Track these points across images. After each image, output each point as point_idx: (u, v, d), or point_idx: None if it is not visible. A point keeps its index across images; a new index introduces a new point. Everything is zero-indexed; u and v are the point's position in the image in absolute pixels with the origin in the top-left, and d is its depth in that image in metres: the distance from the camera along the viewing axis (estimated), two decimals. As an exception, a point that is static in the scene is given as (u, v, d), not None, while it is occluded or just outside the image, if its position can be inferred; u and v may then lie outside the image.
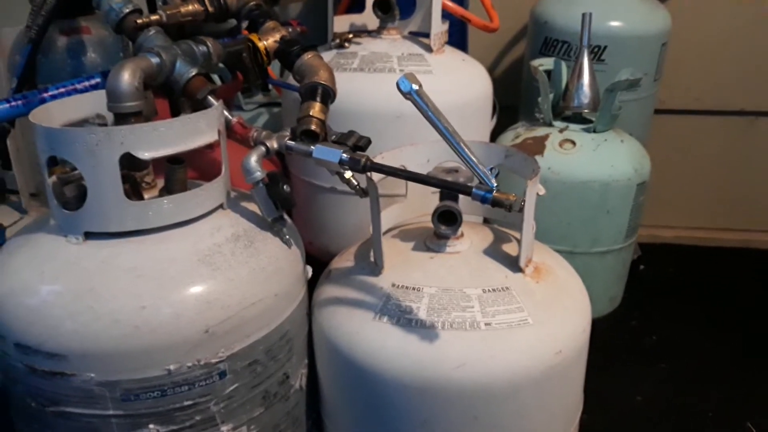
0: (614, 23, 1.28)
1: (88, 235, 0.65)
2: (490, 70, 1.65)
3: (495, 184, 0.60)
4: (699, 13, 1.55)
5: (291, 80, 0.89)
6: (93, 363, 0.60)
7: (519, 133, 1.17)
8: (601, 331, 1.18)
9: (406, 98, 0.65)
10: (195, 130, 0.65)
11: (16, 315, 0.62)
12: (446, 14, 1.06)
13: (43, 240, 0.67)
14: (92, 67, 1.08)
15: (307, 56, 0.75)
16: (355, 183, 0.73)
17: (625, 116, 1.18)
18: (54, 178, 0.68)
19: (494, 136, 1.18)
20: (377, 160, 0.74)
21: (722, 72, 1.60)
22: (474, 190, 0.60)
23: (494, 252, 0.77)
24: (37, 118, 0.66)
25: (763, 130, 1.67)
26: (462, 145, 0.63)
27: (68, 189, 0.67)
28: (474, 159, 0.62)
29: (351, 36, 1.00)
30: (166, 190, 0.69)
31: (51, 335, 0.61)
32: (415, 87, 0.64)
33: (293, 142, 0.71)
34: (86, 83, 0.91)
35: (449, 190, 0.69)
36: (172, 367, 0.62)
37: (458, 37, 1.32)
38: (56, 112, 0.71)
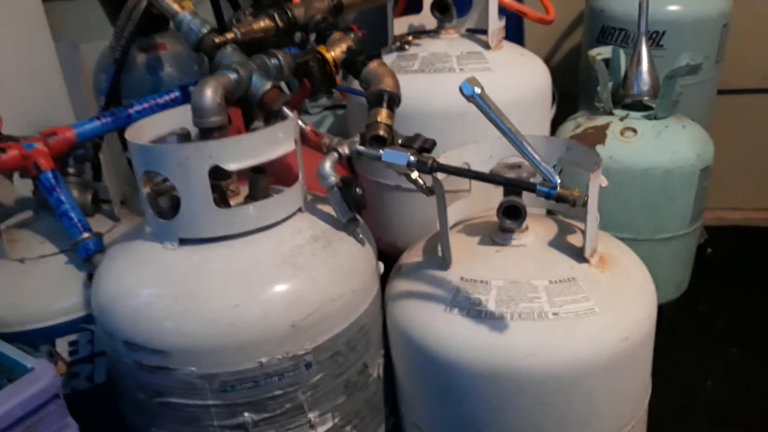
0: (672, 7, 1.28)
1: (182, 241, 0.71)
2: (548, 59, 1.67)
3: (558, 181, 0.63)
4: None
5: (354, 84, 0.93)
6: (193, 358, 0.67)
7: (579, 122, 1.18)
8: (669, 316, 1.20)
9: (469, 101, 0.68)
10: (275, 141, 0.71)
11: (122, 316, 0.70)
12: (502, 9, 1.07)
13: (141, 247, 0.74)
14: (169, 80, 1.16)
15: (373, 64, 0.79)
16: (422, 182, 0.77)
17: (687, 100, 1.18)
18: (148, 189, 0.75)
19: (554, 125, 1.20)
20: (442, 158, 0.77)
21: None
22: (538, 187, 0.63)
23: (559, 244, 0.80)
24: (132, 136, 0.73)
25: (833, 106, 1.61)
26: (524, 143, 0.67)
27: (162, 200, 0.74)
28: (537, 156, 0.65)
29: (411, 38, 1.04)
30: (251, 197, 0.75)
31: (154, 334, 0.68)
32: (477, 90, 0.67)
33: (363, 147, 0.75)
34: (166, 97, 0.99)
35: (515, 187, 0.72)
36: (263, 360, 0.68)
37: (515, 30, 1.34)
38: (147, 129, 0.78)
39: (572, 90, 1.51)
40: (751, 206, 1.73)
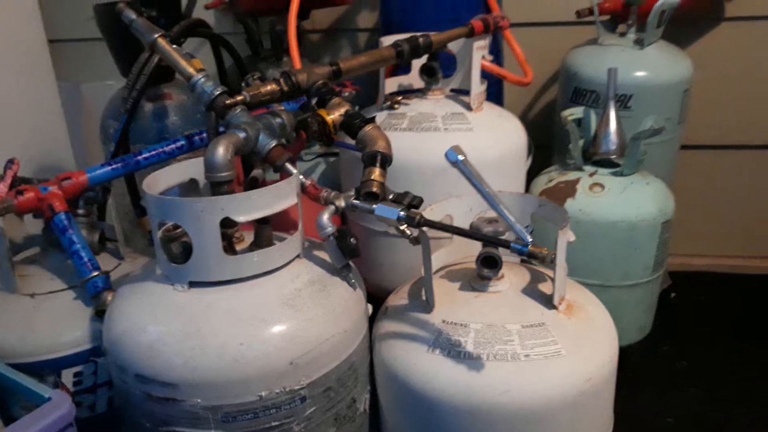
0: (639, 73, 1.40)
1: (192, 284, 0.78)
2: (525, 113, 1.79)
3: (530, 240, 0.72)
4: (720, 57, 1.65)
5: (347, 139, 1.01)
6: (199, 391, 0.74)
7: (552, 176, 1.28)
8: (634, 358, 1.29)
9: (453, 166, 0.77)
10: (280, 196, 0.79)
11: (134, 351, 0.76)
12: (484, 72, 1.18)
13: (153, 288, 0.81)
14: (174, 128, 1.24)
15: (368, 128, 0.88)
16: (409, 233, 0.85)
17: (652, 156, 1.29)
18: (160, 234, 0.82)
19: (531, 175, 1.29)
20: (427, 210, 0.86)
21: (745, 109, 1.69)
22: (512, 245, 0.72)
23: (531, 291, 0.88)
24: (149, 188, 0.80)
25: (789, 163, 1.75)
26: (501, 206, 0.76)
27: (174, 246, 0.81)
28: (511, 218, 0.74)
29: (400, 98, 1.14)
30: (255, 245, 0.83)
31: (164, 368, 0.74)
32: (461, 157, 0.77)
33: (358, 202, 0.83)
34: (173, 146, 1.07)
35: (492, 244, 0.80)
36: (263, 394, 0.74)
37: (495, 88, 1.45)
38: (161, 180, 0.85)
39: (548, 141, 1.62)
40: (713, 253, 1.84)
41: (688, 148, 1.68)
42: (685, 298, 1.66)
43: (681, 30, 1.59)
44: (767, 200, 1.79)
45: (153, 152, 1.04)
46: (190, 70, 0.90)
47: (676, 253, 1.72)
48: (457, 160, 0.76)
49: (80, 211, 1.03)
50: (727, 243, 1.84)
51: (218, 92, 0.88)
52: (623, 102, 1.39)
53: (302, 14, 1.57)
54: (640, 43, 1.43)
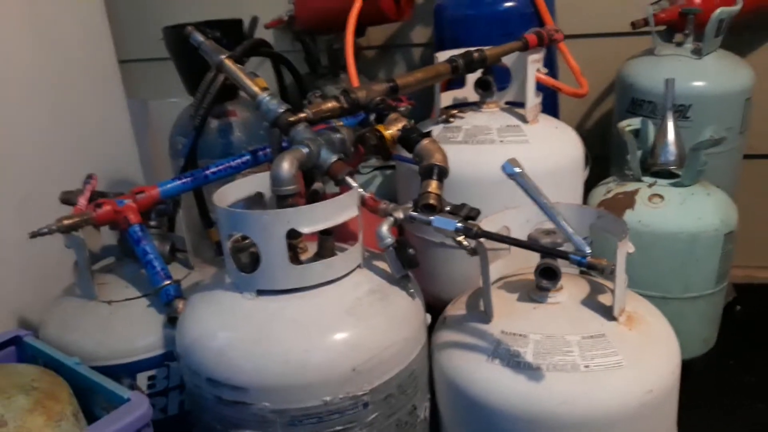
0: (698, 83, 1.38)
1: (260, 292, 0.82)
2: (581, 124, 1.78)
3: (589, 251, 0.73)
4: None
5: (403, 153, 1.04)
6: (267, 395, 0.77)
7: (610, 188, 1.27)
8: (697, 372, 1.26)
9: (510, 178, 0.79)
10: (342, 208, 0.82)
11: (206, 356, 0.81)
12: (539, 85, 1.19)
13: (222, 296, 0.85)
14: (239, 144, 1.30)
15: (425, 142, 0.90)
16: (466, 244, 0.87)
17: (713, 167, 1.27)
18: (230, 245, 0.86)
19: (588, 186, 1.29)
20: (484, 222, 0.87)
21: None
22: (571, 256, 0.73)
23: (591, 302, 0.88)
24: (219, 201, 0.85)
25: None
26: (559, 217, 0.77)
27: (243, 255, 0.85)
28: (569, 229, 0.75)
29: (456, 112, 1.16)
30: (318, 255, 0.86)
31: (234, 372, 0.78)
32: (518, 170, 0.78)
33: (416, 213, 0.86)
34: (239, 161, 1.11)
35: (550, 255, 0.81)
36: (327, 399, 0.77)
37: (550, 100, 1.45)
38: (230, 193, 0.90)
39: (605, 152, 1.61)
40: (780, 266, 1.78)
41: (752, 157, 1.64)
42: (750, 311, 1.61)
43: (741, 38, 1.56)
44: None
45: (220, 167, 1.09)
46: (255, 89, 0.94)
47: (740, 265, 1.68)
48: (513, 173, 0.77)
49: (152, 223, 1.09)
50: (794, 255, 1.78)
51: (282, 110, 0.92)
52: (682, 112, 1.37)
53: (359, 32, 1.61)
54: (698, 52, 1.41)
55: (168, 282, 0.99)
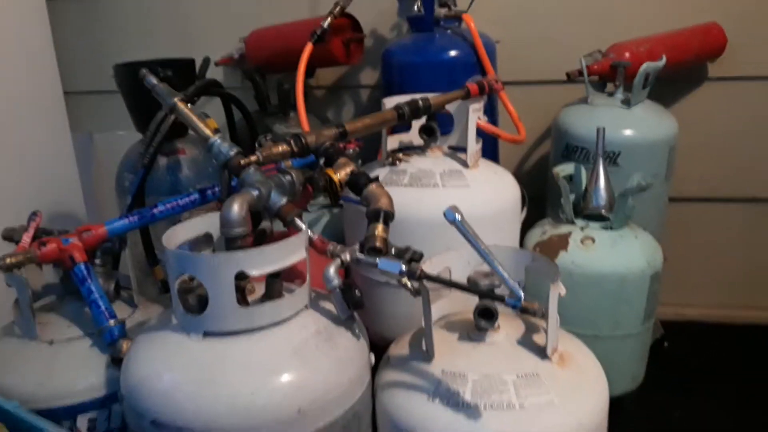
0: (626, 132, 1.47)
1: (206, 334, 0.83)
2: (521, 165, 1.86)
3: (522, 294, 0.78)
4: (705, 113, 1.73)
5: (350, 194, 1.07)
6: (213, 436, 0.78)
7: (546, 229, 1.34)
8: (627, 407, 1.32)
9: (451, 224, 0.83)
10: (291, 251, 0.85)
11: (151, 397, 0.81)
12: (480, 131, 1.25)
13: (169, 337, 0.86)
14: (187, 182, 1.31)
15: (372, 186, 0.94)
16: (410, 286, 0.91)
17: (641, 210, 1.35)
18: (177, 286, 0.87)
19: (525, 225, 1.35)
20: (427, 263, 0.91)
21: (731, 164, 1.77)
22: (506, 299, 0.77)
23: (526, 341, 0.93)
24: (168, 243, 0.86)
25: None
26: (496, 262, 0.81)
27: (190, 297, 0.86)
28: (505, 274, 0.80)
29: (401, 155, 1.21)
30: (266, 296, 0.88)
31: (180, 414, 0.78)
32: (458, 217, 0.83)
33: (362, 256, 0.89)
34: (186, 199, 1.12)
35: (488, 298, 0.86)
36: (272, 440, 0.79)
37: (491, 144, 1.52)
38: (179, 234, 0.91)
39: (542, 192, 1.69)
40: (705, 303, 1.89)
41: (677, 200, 1.75)
42: (677, 348, 1.70)
43: (666, 89, 1.68)
44: (755, 251, 1.85)
45: (168, 205, 1.10)
46: (207, 132, 0.96)
47: (668, 303, 1.78)
48: (455, 219, 0.82)
49: (97, 261, 1.08)
50: (718, 293, 1.89)
51: (233, 152, 0.95)
52: (612, 159, 1.46)
53: (309, 73, 1.65)
54: (627, 102, 1.52)
55: (112, 322, 0.99)
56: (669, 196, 1.64)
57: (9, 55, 1.44)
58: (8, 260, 0.96)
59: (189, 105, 1.01)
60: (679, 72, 1.68)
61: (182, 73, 1.31)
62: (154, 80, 1.01)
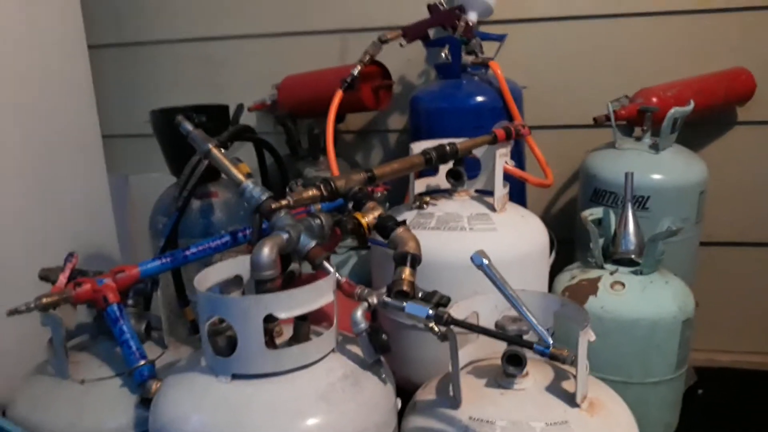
0: (655, 176, 1.47)
1: (234, 376, 0.84)
2: (548, 209, 1.86)
3: (551, 341, 0.77)
4: (735, 157, 1.72)
5: (378, 237, 1.08)
6: (239, 479, 0.78)
7: (575, 274, 1.33)
8: (660, 457, 1.28)
9: (479, 269, 0.84)
10: (319, 294, 0.86)
11: (178, 439, 0.82)
12: (507, 176, 1.26)
13: (197, 378, 0.87)
14: (219, 224, 1.33)
15: (399, 230, 0.95)
16: (437, 331, 0.91)
17: (672, 254, 1.34)
18: (207, 328, 0.89)
19: (555, 268, 1.34)
20: (454, 308, 0.91)
21: (762, 208, 1.75)
22: (535, 346, 0.77)
23: (554, 389, 0.92)
24: (200, 285, 0.88)
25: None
26: (524, 308, 0.81)
27: (220, 339, 0.87)
28: (533, 320, 0.80)
29: (428, 199, 1.22)
30: (294, 339, 0.89)
31: (207, 456, 0.79)
32: (485, 261, 0.83)
33: (389, 299, 0.90)
34: (218, 242, 1.15)
35: (516, 344, 0.85)
36: (299, 484, 0.78)
37: (518, 187, 1.53)
38: (210, 276, 0.93)
39: (571, 236, 1.68)
40: (738, 349, 1.85)
41: (708, 245, 1.73)
42: (712, 395, 1.66)
43: (695, 134, 1.68)
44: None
45: (200, 248, 1.13)
46: (240, 177, 0.99)
47: (702, 349, 1.74)
48: (482, 264, 0.83)
49: (130, 302, 1.10)
50: (752, 339, 1.84)
51: (265, 197, 0.97)
52: (641, 203, 1.46)
53: (339, 118, 1.69)
54: (655, 147, 1.52)
55: (143, 362, 1.00)
56: (700, 240, 1.62)
57: (51, 98, 1.50)
58: (44, 300, 0.98)
59: (222, 150, 1.04)
60: (708, 116, 1.68)
61: (216, 119, 1.35)
62: (189, 126, 1.04)
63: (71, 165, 1.58)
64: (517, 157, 1.56)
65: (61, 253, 1.12)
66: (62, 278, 1.06)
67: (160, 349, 1.12)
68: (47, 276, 1.10)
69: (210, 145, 1.02)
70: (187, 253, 1.12)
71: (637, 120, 1.57)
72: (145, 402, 0.97)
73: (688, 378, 1.52)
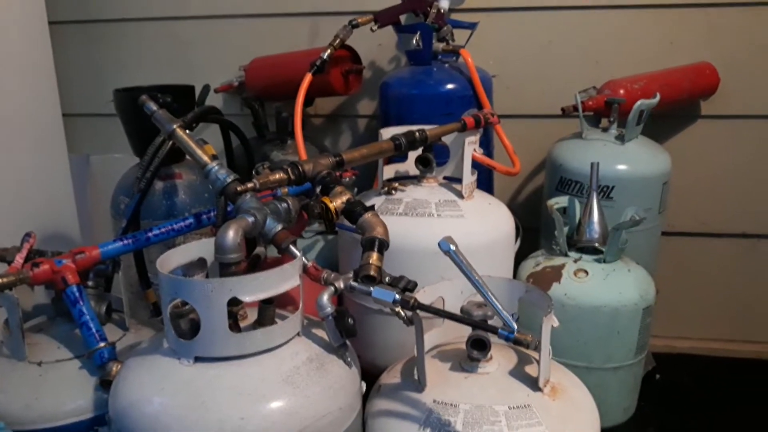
0: (620, 167, 1.49)
1: (197, 359, 0.83)
2: (515, 197, 1.88)
3: (515, 327, 0.78)
4: (698, 150, 1.76)
5: (346, 222, 1.08)
6: (201, 462, 0.77)
7: (539, 261, 1.35)
8: (618, 439, 1.31)
9: (446, 255, 0.84)
10: (285, 278, 0.85)
11: (140, 421, 0.80)
12: (475, 163, 1.26)
13: (159, 361, 0.86)
14: (183, 206, 1.31)
15: (368, 215, 0.95)
16: (404, 315, 0.91)
17: (634, 243, 1.36)
18: (170, 310, 0.87)
19: (519, 256, 1.36)
20: (420, 293, 0.92)
21: (723, 200, 1.79)
22: (500, 331, 0.78)
23: (518, 373, 0.93)
24: (162, 267, 0.86)
25: (765, 252, 1.83)
26: (489, 293, 0.82)
27: (182, 322, 0.86)
28: (499, 305, 0.80)
29: (397, 185, 1.22)
30: (258, 323, 0.88)
31: (169, 439, 0.78)
32: (453, 247, 0.83)
33: (356, 284, 0.89)
34: (182, 224, 1.13)
35: (481, 329, 0.86)
36: (261, 467, 0.78)
37: (486, 175, 1.54)
38: (173, 259, 0.91)
39: (536, 224, 1.70)
40: (696, 336, 1.90)
41: (670, 234, 1.77)
42: (669, 380, 1.70)
43: (660, 126, 1.70)
44: (746, 285, 1.85)
45: (163, 230, 1.11)
46: (205, 158, 0.97)
47: (660, 335, 1.78)
48: (449, 250, 0.83)
49: (90, 283, 1.08)
50: (709, 326, 1.89)
51: (230, 179, 0.95)
52: (606, 193, 1.48)
53: (307, 102, 1.68)
54: (621, 138, 1.54)
55: (103, 344, 0.98)
56: (662, 230, 1.65)
57: (10, 76, 1.45)
58: (1, 280, 0.95)
59: (187, 131, 1.02)
60: (673, 109, 1.71)
61: (181, 99, 1.32)
62: (153, 106, 1.02)
63: (30, 144, 1.53)
64: (486, 145, 1.56)
65: (20, 234, 1.09)
66: (19, 258, 1.03)
67: (121, 331, 1.10)
68: (3, 256, 1.07)
69: (174, 126, 1.00)
70: (150, 234, 1.10)
71: (604, 111, 1.59)
72: (105, 384, 0.95)
73: (647, 363, 1.56)
